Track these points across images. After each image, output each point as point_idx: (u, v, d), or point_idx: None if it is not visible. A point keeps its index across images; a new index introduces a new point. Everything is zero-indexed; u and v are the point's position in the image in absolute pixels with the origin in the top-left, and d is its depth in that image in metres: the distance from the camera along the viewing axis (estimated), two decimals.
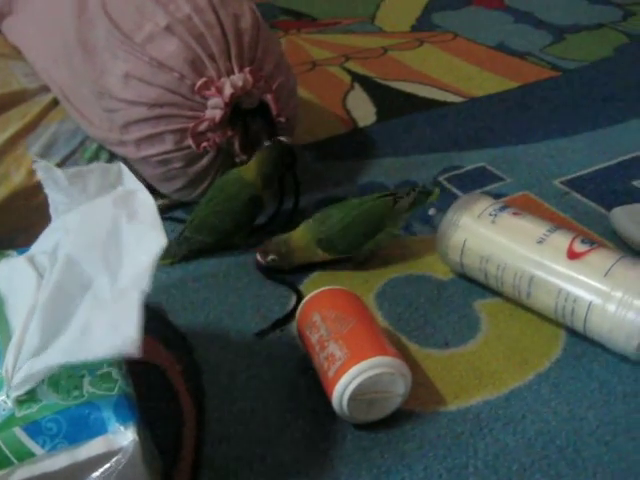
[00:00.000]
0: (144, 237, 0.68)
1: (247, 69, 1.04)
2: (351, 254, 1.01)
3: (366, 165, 1.29)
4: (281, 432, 0.79)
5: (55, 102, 1.21)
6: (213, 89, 1.02)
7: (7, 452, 0.62)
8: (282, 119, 1.09)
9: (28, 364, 0.65)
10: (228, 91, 1.02)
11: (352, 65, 1.72)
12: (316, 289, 0.87)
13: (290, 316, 0.94)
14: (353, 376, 0.74)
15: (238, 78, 1.03)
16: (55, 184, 0.77)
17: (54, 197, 0.79)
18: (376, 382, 0.75)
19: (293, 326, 0.92)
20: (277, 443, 0.78)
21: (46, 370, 0.64)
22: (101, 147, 1.15)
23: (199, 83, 1.02)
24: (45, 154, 1.12)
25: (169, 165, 1.07)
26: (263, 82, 1.06)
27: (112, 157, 1.15)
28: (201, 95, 1.02)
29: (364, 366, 0.75)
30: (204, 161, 1.07)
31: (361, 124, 1.44)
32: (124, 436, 0.63)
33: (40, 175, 0.78)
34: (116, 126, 1.07)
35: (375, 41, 1.88)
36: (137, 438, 0.62)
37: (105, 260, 0.69)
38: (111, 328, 0.63)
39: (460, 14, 2.05)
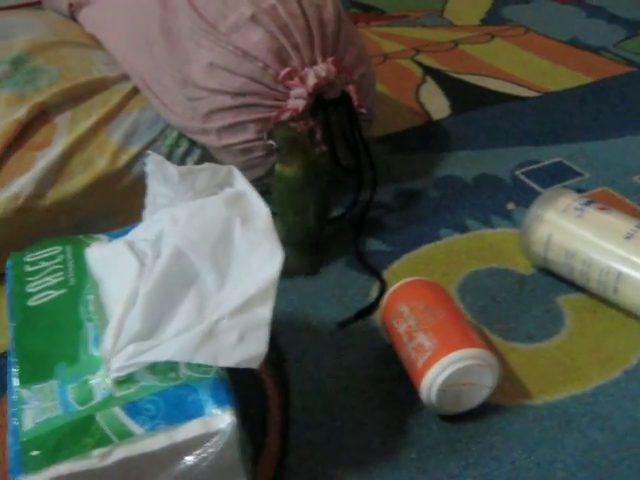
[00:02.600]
0: (258, 246, 0.69)
1: (330, 59, 1.04)
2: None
3: (442, 158, 1.28)
4: (367, 421, 0.80)
5: (135, 90, 1.22)
6: (296, 79, 1.02)
7: (107, 430, 0.63)
8: (363, 110, 1.09)
9: (132, 348, 0.66)
10: (312, 81, 1.02)
11: (423, 58, 1.72)
12: (397, 280, 0.87)
13: (373, 307, 0.94)
14: (443, 367, 0.74)
15: (321, 68, 1.03)
16: (163, 178, 0.78)
17: (156, 189, 0.80)
18: (465, 373, 0.75)
19: (375, 316, 0.92)
20: (363, 432, 0.78)
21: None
22: (181, 135, 1.17)
23: (283, 73, 1.02)
24: (127, 141, 1.13)
25: (250, 154, 1.07)
26: (345, 73, 1.06)
27: (192, 145, 1.16)
28: (284, 85, 1.03)
29: (454, 357, 0.74)
30: None
31: (435, 117, 1.43)
32: (222, 419, 0.63)
33: (148, 168, 0.79)
34: (198, 114, 1.08)
35: (445, 34, 1.87)
36: (235, 421, 0.63)
37: (213, 259, 0.70)
38: (239, 340, 0.64)
39: (530, 8, 2.03)
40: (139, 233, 0.79)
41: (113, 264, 0.77)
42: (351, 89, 1.07)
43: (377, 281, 0.99)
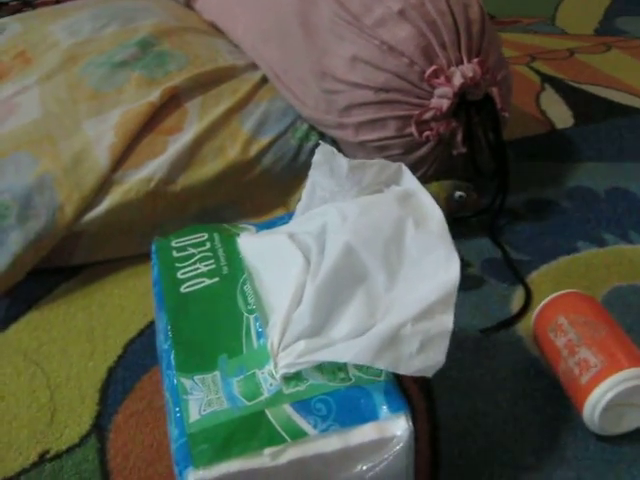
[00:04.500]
0: (432, 250, 0.66)
1: (475, 60, 1.01)
2: None
3: (569, 168, 1.25)
4: (520, 435, 0.77)
5: (264, 80, 1.21)
6: (442, 78, 0.99)
7: (279, 428, 0.60)
8: (506, 114, 1.06)
9: (303, 344, 0.64)
10: (458, 81, 0.99)
11: (539, 65, 1.68)
12: (538, 290, 0.89)
13: (517, 316, 0.91)
14: (611, 385, 0.71)
15: (468, 68, 1.00)
16: (330, 170, 0.76)
17: (319, 180, 0.78)
18: (632, 393, 0.72)
19: (518, 327, 0.89)
20: (516, 447, 0.75)
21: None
22: (312, 128, 1.15)
23: (429, 71, 0.99)
24: (258, 131, 1.12)
25: (387, 151, 1.05)
26: (489, 74, 1.03)
27: (322, 138, 1.14)
28: (429, 83, 1.00)
29: (624, 375, 0.71)
30: (423, 150, 1.04)
31: (559, 126, 1.39)
32: (397, 424, 0.61)
33: (316, 158, 0.77)
34: (335, 108, 1.05)
35: (559, 42, 1.83)
36: (412, 427, 0.60)
37: (384, 258, 0.67)
38: (420, 347, 0.61)
39: None
40: (299, 226, 0.77)
41: (273, 256, 0.75)
42: (494, 91, 1.04)
43: (517, 290, 0.95)
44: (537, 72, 1.64)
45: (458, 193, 1.02)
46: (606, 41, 1.83)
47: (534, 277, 0.98)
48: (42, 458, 0.77)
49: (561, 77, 1.61)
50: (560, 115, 1.44)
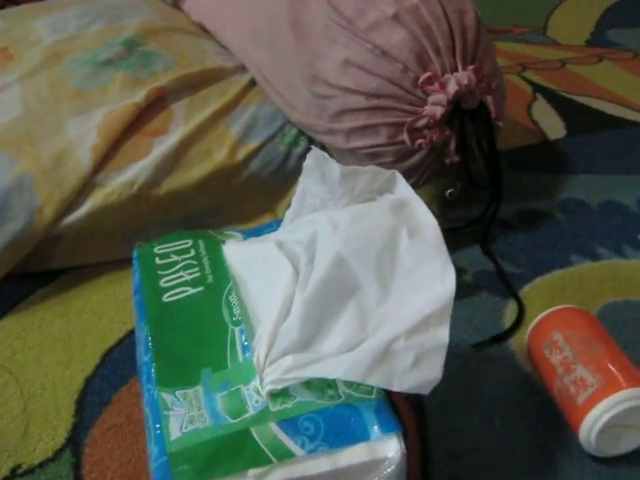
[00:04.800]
0: (427, 261, 0.64)
1: (470, 67, 0.99)
2: None
3: (562, 180, 1.22)
4: (513, 455, 0.74)
5: (253, 83, 1.18)
6: (437, 85, 0.97)
7: (264, 448, 0.58)
8: (500, 123, 1.03)
9: (290, 360, 0.61)
10: (452, 88, 0.96)
11: (531, 75, 1.66)
12: (532, 304, 0.87)
13: (510, 331, 0.88)
14: (609, 406, 0.69)
15: (463, 76, 0.97)
16: (321, 176, 0.73)
17: (309, 187, 0.75)
18: (631, 414, 0.69)
19: (511, 342, 0.87)
20: (510, 467, 0.73)
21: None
22: (301, 133, 1.12)
23: (423, 77, 0.96)
24: (246, 135, 1.09)
25: (378, 159, 1.02)
26: (484, 82, 1.00)
27: (311, 144, 1.11)
28: (423, 90, 0.97)
29: (621, 397, 0.69)
30: (415, 158, 1.01)
31: (551, 137, 1.37)
32: (389, 445, 0.58)
33: (306, 163, 0.74)
34: (326, 114, 1.03)
35: (551, 53, 1.80)
36: (404, 449, 0.58)
37: (377, 269, 0.64)
38: (414, 362, 0.59)
39: (637, 32, 1.95)
40: (288, 234, 0.74)
41: (260, 265, 0.72)
42: (489, 100, 1.02)
43: (510, 303, 0.93)
44: (529, 82, 1.62)
45: (448, 190, 1.02)
46: (598, 52, 1.81)
47: (527, 290, 0.96)
48: (14, 473, 0.74)
49: (553, 87, 1.59)
50: (552, 126, 1.42)
